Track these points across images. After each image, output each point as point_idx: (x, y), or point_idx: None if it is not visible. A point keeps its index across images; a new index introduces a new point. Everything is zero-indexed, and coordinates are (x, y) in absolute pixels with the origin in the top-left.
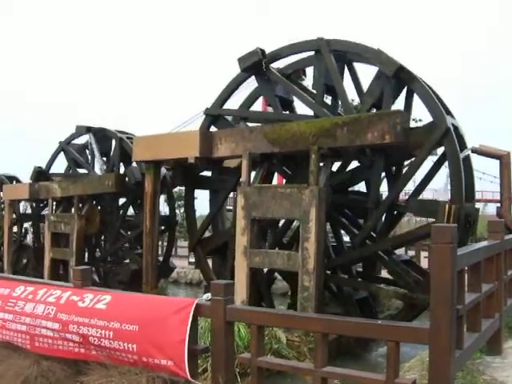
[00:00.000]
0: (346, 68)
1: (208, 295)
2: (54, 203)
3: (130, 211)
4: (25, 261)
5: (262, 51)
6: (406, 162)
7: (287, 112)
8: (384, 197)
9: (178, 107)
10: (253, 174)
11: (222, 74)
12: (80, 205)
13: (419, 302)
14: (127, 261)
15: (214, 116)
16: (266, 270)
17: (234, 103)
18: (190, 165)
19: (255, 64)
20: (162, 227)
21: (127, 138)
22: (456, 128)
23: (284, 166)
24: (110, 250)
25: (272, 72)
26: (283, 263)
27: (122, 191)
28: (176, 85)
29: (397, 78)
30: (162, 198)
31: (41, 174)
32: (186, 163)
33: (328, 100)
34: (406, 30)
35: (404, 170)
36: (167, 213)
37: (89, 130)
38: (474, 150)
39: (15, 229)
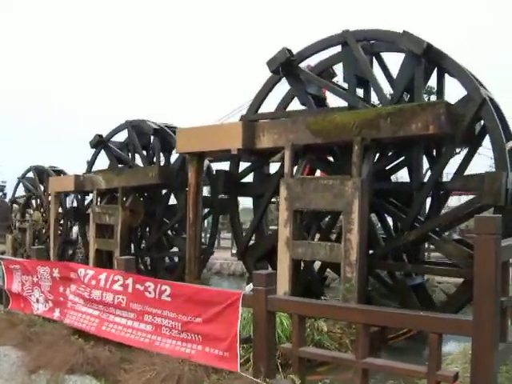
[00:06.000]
0: (374, 60)
1: (250, 285)
2: (99, 195)
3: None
4: (70, 252)
5: (289, 51)
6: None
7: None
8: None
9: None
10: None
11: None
12: (124, 197)
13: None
14: (174, 248)
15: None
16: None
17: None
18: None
19: (283, 64)
20: (206, 210)
21: (166, 126)
22: (491, 100)
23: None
24: (153, 238)
25: (302, 71)
26: (326, 254)
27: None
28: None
29: (426, 58)
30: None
31: (101, 142)
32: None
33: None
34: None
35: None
36: None
37: (128, 123)
38: None
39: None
